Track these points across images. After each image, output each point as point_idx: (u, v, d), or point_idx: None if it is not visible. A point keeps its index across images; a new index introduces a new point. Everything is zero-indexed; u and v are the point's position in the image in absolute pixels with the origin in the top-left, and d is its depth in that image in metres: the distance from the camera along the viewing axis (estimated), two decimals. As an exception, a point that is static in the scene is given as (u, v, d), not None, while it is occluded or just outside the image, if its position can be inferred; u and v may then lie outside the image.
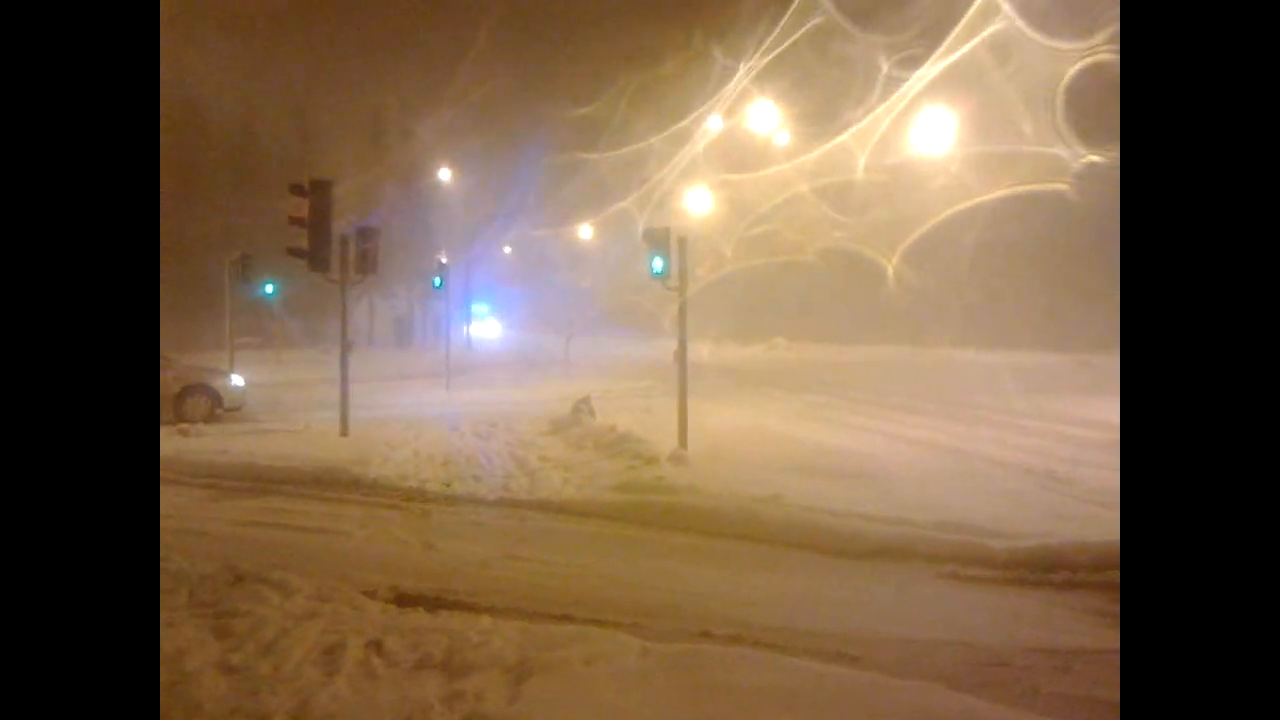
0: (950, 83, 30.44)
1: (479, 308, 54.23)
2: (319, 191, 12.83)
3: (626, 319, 42.07)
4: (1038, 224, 32.63)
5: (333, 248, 12.90)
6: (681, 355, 11.53)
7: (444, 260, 25.08)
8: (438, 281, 23.04)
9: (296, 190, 12.94)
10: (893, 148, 32.93)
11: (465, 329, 45.77)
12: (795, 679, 4.12)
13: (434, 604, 5.55)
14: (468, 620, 5.07)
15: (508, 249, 58.56)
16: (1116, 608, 5.56)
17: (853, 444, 12.09)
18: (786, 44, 32.89)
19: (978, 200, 31.44)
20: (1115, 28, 23.83)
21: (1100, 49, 25.13)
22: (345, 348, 13.43)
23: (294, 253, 12.93)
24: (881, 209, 34.31)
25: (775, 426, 13.78)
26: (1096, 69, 26.13)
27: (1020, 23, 25.96)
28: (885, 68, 30.98)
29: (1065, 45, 26.10)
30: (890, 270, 35.45)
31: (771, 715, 3.74)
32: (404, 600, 5.61)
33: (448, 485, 9.62)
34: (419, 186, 44.88)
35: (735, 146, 37.62)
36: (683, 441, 11.06)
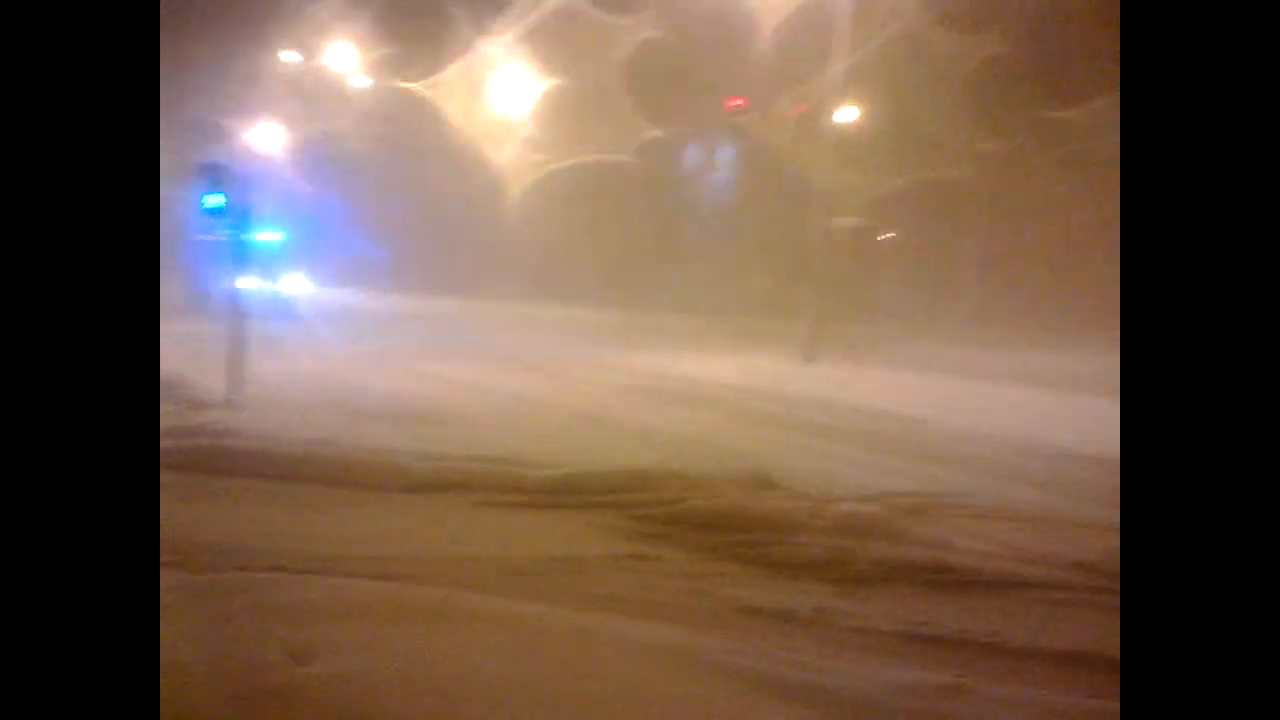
0: (531, 48, 31.68)
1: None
2: None
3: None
4: (613, 192, 35.32)
5: None
6: (237, 298, 11.08)
7: None
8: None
9: None
10: (476, 104, 33.55)
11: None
12: (335, 595, 4.44)
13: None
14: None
15: None
16: (622, 523, 6.57)
17: (415, 389, 12.48)
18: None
19: (553, 164, 33.26)
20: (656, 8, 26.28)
21: (646, 26, 27.67)
22: None
23: None
24: (462, 164, 34.82)
25: (338, 373, 13.72)
26: (650, 46, 28.78)
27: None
28: (464, 23, 31.43)
29: (619, 21, 28.33)
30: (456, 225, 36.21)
31: (312, 624, 4.00)
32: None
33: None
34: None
35: (315, 85, 35.81)
36: (235, 387, 10.67)
